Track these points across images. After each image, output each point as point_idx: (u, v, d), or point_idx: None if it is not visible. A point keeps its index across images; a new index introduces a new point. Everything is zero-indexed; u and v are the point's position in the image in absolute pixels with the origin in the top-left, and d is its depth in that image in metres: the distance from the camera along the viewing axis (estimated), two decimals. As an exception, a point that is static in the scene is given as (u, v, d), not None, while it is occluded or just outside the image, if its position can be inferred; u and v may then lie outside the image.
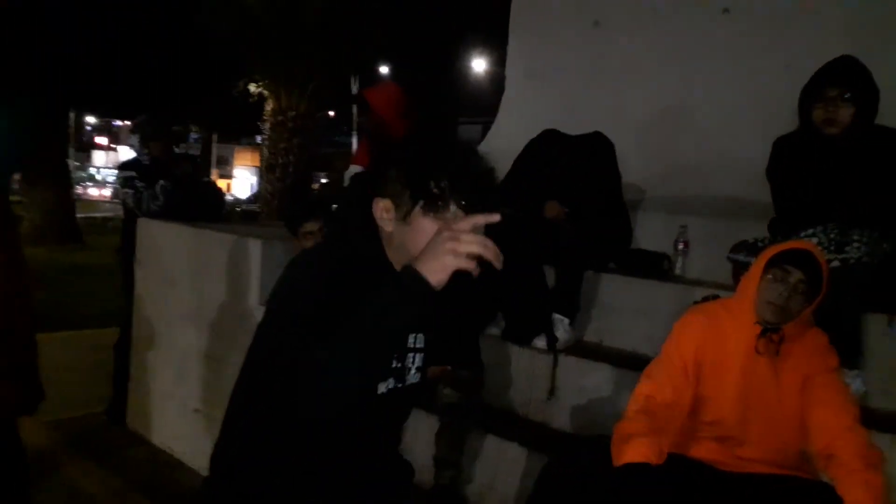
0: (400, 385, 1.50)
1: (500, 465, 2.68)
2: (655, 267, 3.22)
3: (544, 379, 2.92)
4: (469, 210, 1.30)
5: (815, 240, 2.37)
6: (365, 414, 1.41)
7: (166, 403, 3.84)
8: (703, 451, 2.07)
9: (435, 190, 1.31)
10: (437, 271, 1.18)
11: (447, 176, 1.32)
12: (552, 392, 2.89)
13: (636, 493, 1.88)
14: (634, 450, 1.90)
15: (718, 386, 2.04)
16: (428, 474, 2.64)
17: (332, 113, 15.24)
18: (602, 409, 2.71)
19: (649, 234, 3.43)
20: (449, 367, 2.63)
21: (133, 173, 4.09)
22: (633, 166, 3.45)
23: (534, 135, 3.37)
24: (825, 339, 2.04)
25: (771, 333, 1.98)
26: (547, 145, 3.31)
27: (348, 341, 1.19)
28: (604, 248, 3.24)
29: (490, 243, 1.20)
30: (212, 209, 4.18)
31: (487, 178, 1.38)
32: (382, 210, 1.37)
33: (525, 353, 3.02)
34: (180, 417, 3.71)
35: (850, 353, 2.26)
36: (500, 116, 4.61)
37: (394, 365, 1.48)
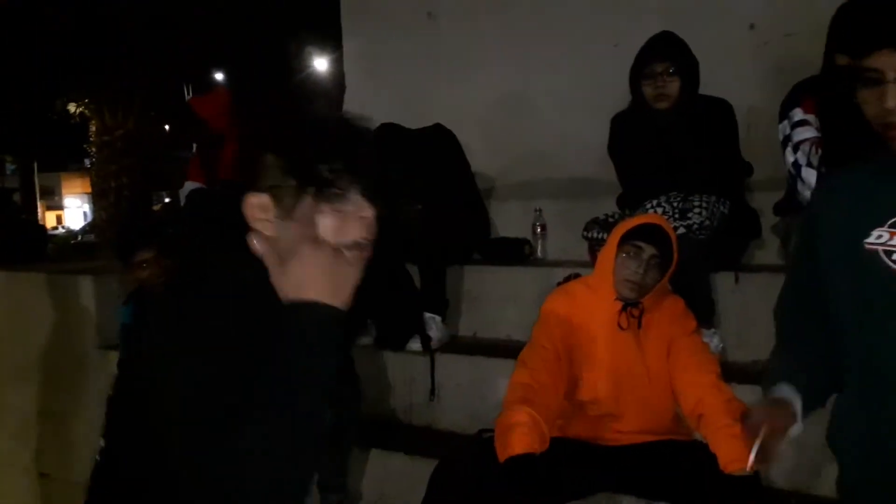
0: None
1: (388, 477, 2.63)
2: (517, 253, 3.28)
3: (423, 381, 2.89)
4: (371, 198, 1.04)
5: (660, 210, 2.50)
6: None
7: (8, 471, 3.44)
8: (581, 429, 2.12)
9: (328, 174, 1.01)
10: (336, 289, 0.97)
11: (343, 156, 1.03)
12: (433, 393, 2.87)
13: (524, 485, 1.89)
14: (518, 441, 1.91)
15: (589, 365, 2.09)
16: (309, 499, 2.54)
17: (167, 126, 14.34)
18: (485, 403, 2.70)
19: (507, 221, 3.48)
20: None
21: None
22: (481, 156, 3.49)
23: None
24: (682, 304, 2.14)
25: (631, 308, 2.06)
26: (386, 140, 3.24)
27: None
28: (464, 239, 3.25)
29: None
30: (32, 248, 3.79)
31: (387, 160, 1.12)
32: (258, 209, 1.03)
33: (400, 358, 2.97)
34: (28, 485, 3.33)
35: (704, 313, 2.39)
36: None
37: None
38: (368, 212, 1.03)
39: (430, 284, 3.06)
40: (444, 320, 3.04)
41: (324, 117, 1.15)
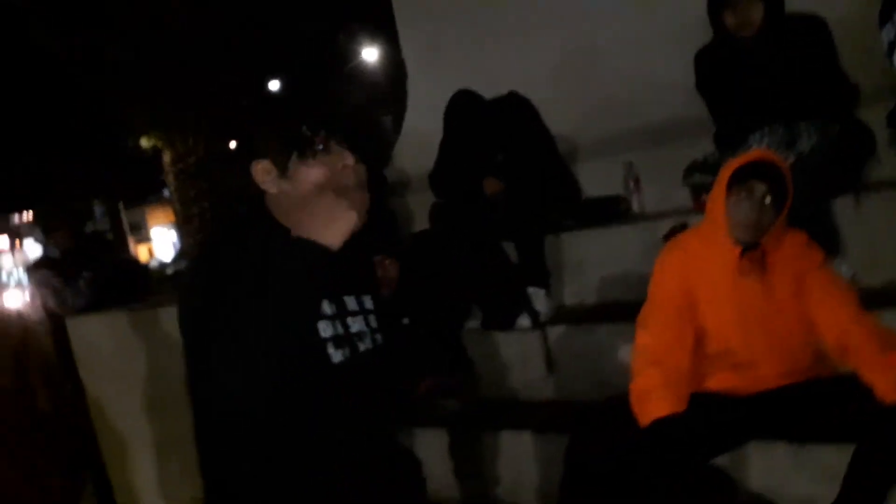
0: (353, 352, 1.40)
1: (522, 457, 2.64)
2: (613, 211, 3.22)
3: (538, 356, 2.89)
4: (352, 146, 1.29)
5: (764, 142, 2.39)
6: (324, 386, 1.33)
7: (155, 499, 3.67)
8: (719, 381, 2.07)
9: (307, 132, 1.27)
10: (326, 227, 1.15)
11: (318, 114, 1.30)
12: (551, 367, 2.87)
13: (671, 446, 1.89)
14: (656, 405, 1.91)
15: (715, 316, 2.03)
16: (449, 490, 2.59)
17: (232, 144, 14.81)
18: (605, 368, 2.69)
19: (597, 180, 3.41)
20: (439, 379, 2.57)
21: (46, 271, 3.87)
22: (559, 117, 3.41)
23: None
24: (804, 237, 2.05)
25: (751, 252, 1.98)
26: (464, 110, 3.21)
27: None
28: (555, 206, 3.22)
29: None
30: (137, 285, 4.01)
31: (362, 110, 1.39)
32: (262, 173, 1.32)
33: (512, 337, 2.97)
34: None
35: (828, 242, 2.29)
36: (411, 100, 4.53)
37: (332, 332, 1.37)
38: (349, 159, 1.27)
39: (528, 258, 3.04)
40: (548, 292, 3.02)
41: (302, 86, 1.41)
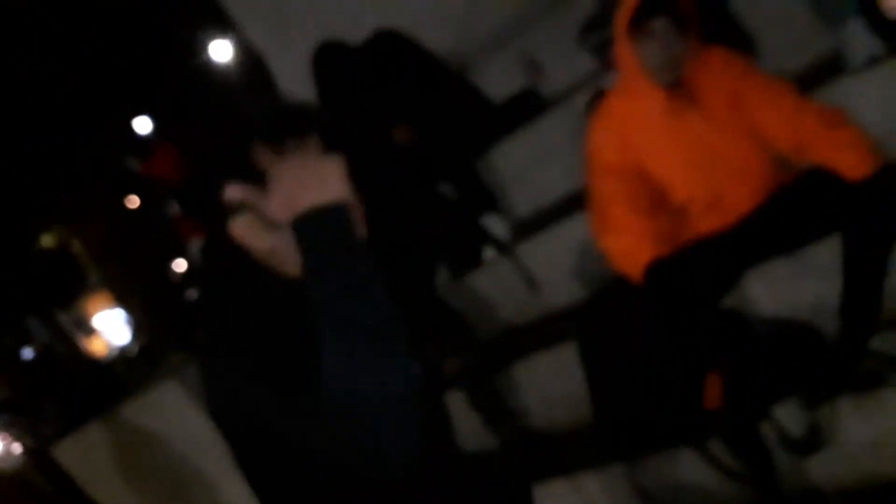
0: None
1: (542, 380, 2.65)
2: (528, 107, 3.16)
3: (517, 279, 2.88)
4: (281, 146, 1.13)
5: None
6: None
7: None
8: (696, 229, 2.05)
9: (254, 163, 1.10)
10: (324, 186, 0.95)
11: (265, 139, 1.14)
12: (532, 283, 2.86)
13: (672, 293, 1.88)
14: (640, 252, 1.92)
15: (665, 169, 2.01)
16: (486, 441, 2.60)
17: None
18: (584, 265, 2.69)
19: (497, 80, 3.34)
20: (435, 345, 2.54)
21: (4, 416, 3.73)
22: (436, 35, 3.30)
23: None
24: (720, 49, 2.01)
25: (676, 90, 1.95)
26: (333, 68, 3.03)
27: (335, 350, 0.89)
28: (471, 128, 3.14)
29: None
30: (104, 386, 3.89)
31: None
32: (244, 229, 1.07)
33: (485, 273, 2.95)
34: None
35: (738, 40, 2.26)
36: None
37: None
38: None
39: (468, 190, 2.99)
40: (501, 215, 2.99)
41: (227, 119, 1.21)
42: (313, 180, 0.96)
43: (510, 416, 2.58)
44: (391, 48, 3.04)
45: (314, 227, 0.93)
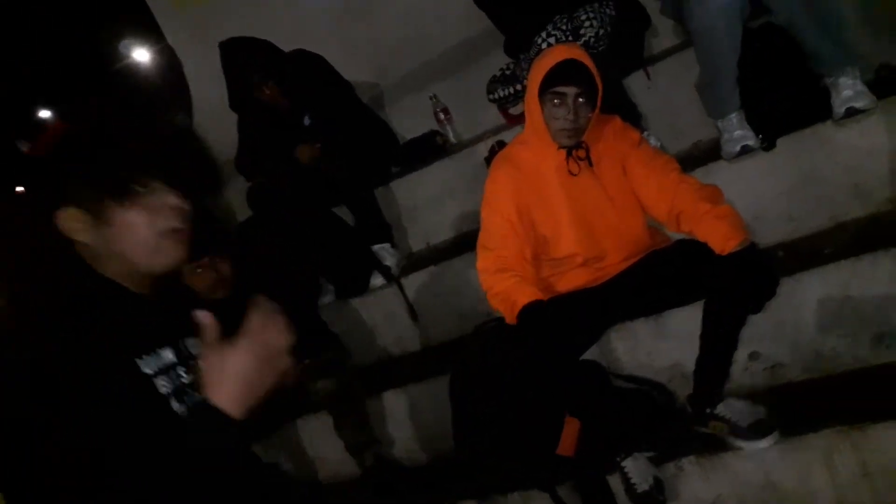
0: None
1: (409, 410, 2.57)
2: (432, 148, 3.14)
3: (401, 309, 2.80)
4: (172, 180, 1.13)
5: (552, 39, 2.37)
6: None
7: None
8: (570, 282, 2.08)
9: (120, 172, 1.10)
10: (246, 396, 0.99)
11: (128, 149, 1.13)
12: (414, 316, 2.79)
13: (543, 341, 1.88)
14: (521, 294, 1.92)
15: (554, 223, 2.02)
16: (347, 468, 2.48)
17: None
18: (468, 301, 2.65)
19: (407, 121, 3.32)
20: (307, 362, 2.41)
21: None
22: (351, 66, 3.24)
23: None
24: (618, 120, 2.06)
25: (575, 151, 1.98)
26: (262, 57, 2.89)
27: None
28: (376, 158, 3.08)
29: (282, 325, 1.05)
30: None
31: (182, 137, 1.20)
32: (71, 221, 1.10)
33: (370, 299, 2.86)
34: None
35: (633, 118, 2.33)
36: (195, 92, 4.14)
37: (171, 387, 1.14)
38: (174, 200, 1.11)
39: (364, 216, 2.91)
40: (393, 244, 2.93)
41: (102, 115, 1.23)
42: (248, 379, 0.99)
43: (374, 443, 2.47)
44: (311, 68, 2.95)
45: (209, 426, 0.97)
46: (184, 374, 1.16)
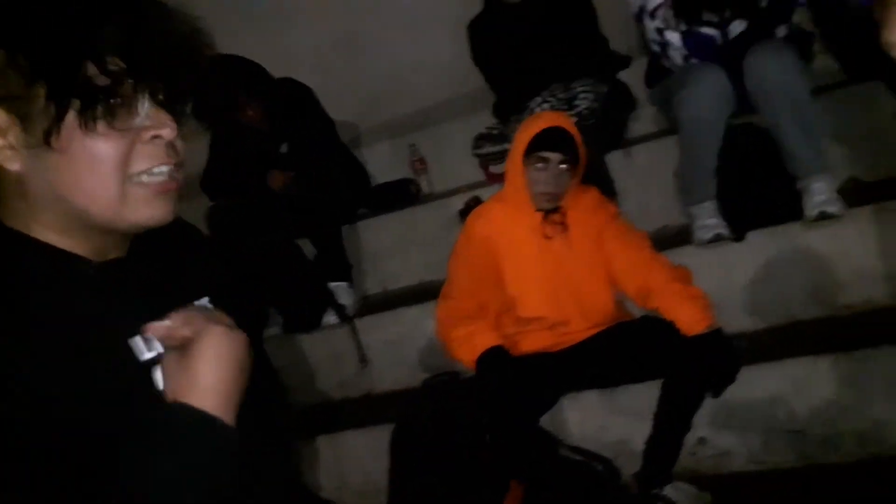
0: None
1: (343, 458, 2.45)
2: (404, 195, 3.12)
3: (349, 351, 2.71)
4: (172, 102, 0.73)
5: (546, 105, 2.42)
6: None
7: None
8: (533, 344, 2.05)
9: (102, 76, 0.67)
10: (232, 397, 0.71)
11: (120, 39, 0.68)
12: (364, 359, 2.70)
13: (495, 406, 1.85)
14: (480, 340, 1.91)
15: (523, 284, 2.02)
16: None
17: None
18: (420, 352, 2.59)
19: (382, 166, 3.30)
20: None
21: None
22: (334, 105, 3.23)
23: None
24: (596, 192, 2.09)
25: (552, 215, 1.99)
26: (250, 79, 2.82)
27: None
28: (347, 196, 3.04)
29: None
30: None
31: (190, 39, 0.73)
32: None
33: (318, 337, 2.76)
34: None
35: (609, 193, 2.37)
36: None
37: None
38: (168, 128, 0.72)
39: (326, 253, 2.84)
40: (351, 285, 2.85)
41: None
42: (232, 373, 0.71)
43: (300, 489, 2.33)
44: (296, 96, 2.92)
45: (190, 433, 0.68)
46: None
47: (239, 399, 0.71)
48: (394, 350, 2.66)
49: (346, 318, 2.72)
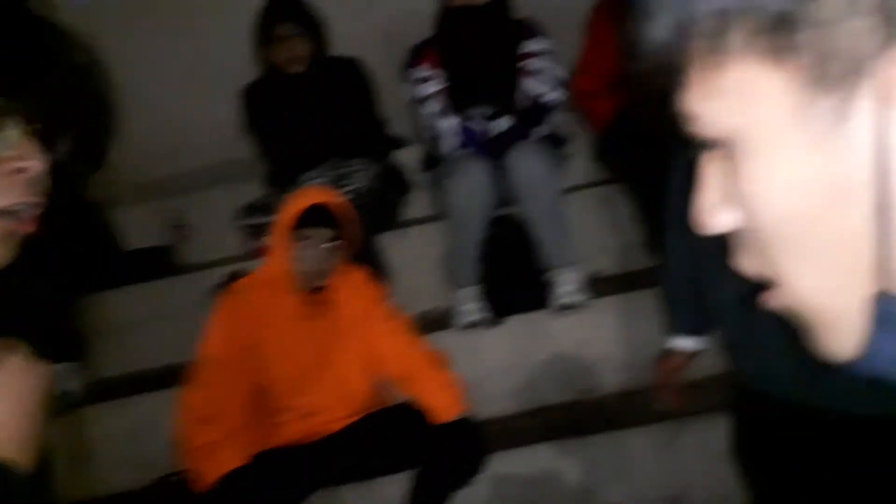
0: None
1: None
2: (159, 263, 2.80)
3: (68, 446, 2.28)
4: (42, 137, 0.61)
5: (319, 181, 2.37)
6: None
7: None
8: (286, 435, 1.91)
9: None
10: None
11: None
12: (87, 457, 2.30)
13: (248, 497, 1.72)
14: (224, 458, 1.74)
15: (277, 369, 1.89)
16: None
17: None
18: (152, 447, 2.23)
19: (137, 231, 2.94)
20: None
21: None
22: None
23: None
24: (364, 273, 2.03)
25: (314, 295, 1.92)
26: None
27: None
28: (86, 262, 2.65)
29: None
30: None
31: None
32: None
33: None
34: None
35: (380, 275, 2.30)
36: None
37: None
38: (33, 161, 0.60)
39: (54, 328, 2.42)
40: (81, 365, 2.44)
41: None
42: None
43: None
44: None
45: None
46: None
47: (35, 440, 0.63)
48: (122, 446, 2.32)
49: (73, 403, 2.31)
